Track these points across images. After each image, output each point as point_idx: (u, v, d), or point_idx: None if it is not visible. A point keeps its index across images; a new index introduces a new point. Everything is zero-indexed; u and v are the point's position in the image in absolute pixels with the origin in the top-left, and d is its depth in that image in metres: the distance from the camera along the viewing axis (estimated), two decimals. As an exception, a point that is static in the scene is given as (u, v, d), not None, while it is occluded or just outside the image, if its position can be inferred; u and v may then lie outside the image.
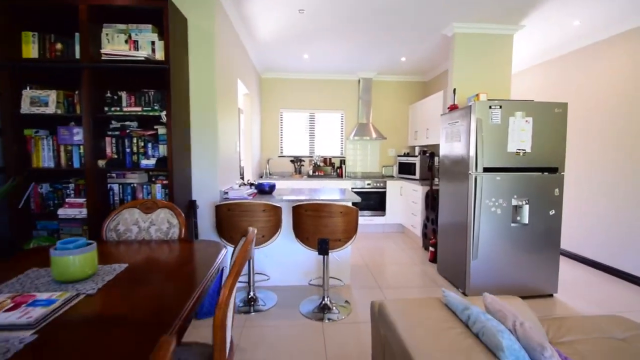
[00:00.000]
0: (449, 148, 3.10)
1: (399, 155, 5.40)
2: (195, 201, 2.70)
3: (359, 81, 5.50)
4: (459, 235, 2.91)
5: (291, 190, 3.52)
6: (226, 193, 2.78)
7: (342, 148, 5.72)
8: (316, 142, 5.70)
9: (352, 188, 5.10)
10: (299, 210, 2.37)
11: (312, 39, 3.88)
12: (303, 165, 5.52)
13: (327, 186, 5.07)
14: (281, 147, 5.67)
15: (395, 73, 5.46)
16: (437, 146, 5.09)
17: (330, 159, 5.45)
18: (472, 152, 2.70)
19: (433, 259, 3.70)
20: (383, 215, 5.17)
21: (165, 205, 2.02)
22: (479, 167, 2.67)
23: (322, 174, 5.30)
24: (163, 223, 2.00)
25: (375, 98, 5.64)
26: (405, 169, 5.20)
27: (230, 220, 2.40)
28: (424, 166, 4.89)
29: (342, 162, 5.49)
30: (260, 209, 2.38)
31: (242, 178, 4.58)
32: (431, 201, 3.98)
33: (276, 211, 2.46)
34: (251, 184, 3.20)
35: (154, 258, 1.57)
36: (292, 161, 5.38)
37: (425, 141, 4.91)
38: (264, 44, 4.08)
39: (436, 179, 4.24)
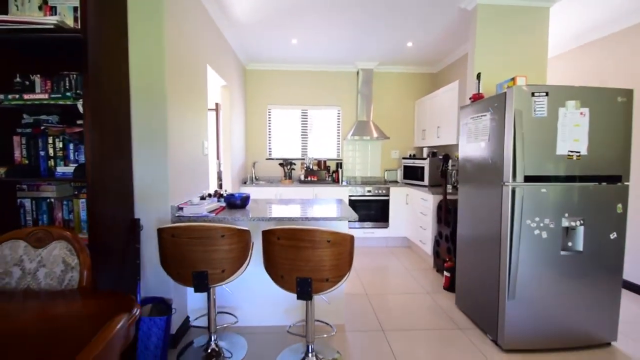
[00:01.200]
0: (473, 149, 2.42)
1: (403, 158, 4.72)
2: (138, 220, 2.02)
3: (357, 73, 4.83)
4: (486, 263, 2.22)
5: (277, 201, 2.84)
6: (180, 209, 2.10)
7: (338, 149, 5.04)
8: (309, 143, 5.02)
9: (350, 196, 4.42)
10: (269, 238, 1.68)
11: (300, 17, 3.20)
12: (294, 169, 4.84)
13: (320, 194, 4.39)
14: (269, 148, 4.99)
15: (400, 63, 4.78)
16: (450, 147, 4.40)
17: (325, 162, 4.77)
18: (507, 155, 2.02)
19: (449, 286, 3.01)
20: (386, 227, 4.48)
21: (62, 237, 1.34)
22: (518, 175, 1.98)
23: (315, 179, 4.62)
24: (56, 264, 1.32)
25: (377, 92, 4.96)
26: (412, 174, 4.52)
27: (177, 249, 1.72)
28: (435, 171, 4.20)
29: (339, 165, 4.81)
30: (219, 234, 1.70)
31: (221, 186, 3.90)
32: (445, 214, 3.30)
33: (242, 237, 1.77)
34: (220, 195, 2.52)
35: (22, 330, 0.88)
36: (281, 164, 4.70)
37: (435, 141, 4.23)
38: (243, 25, 3.41)
39: (451, 187, 3.56)
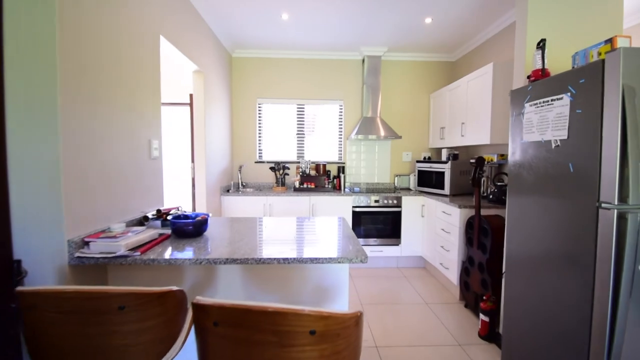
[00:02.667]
0: (535, 149, 1.65)
1: (418, 161, 3.94)
2: (19, 262, 1.28)
3: (363, 61, 4.06)
4: (564, 315, 1.44)
5: (256, 222, 2.09)
6: (86, 244, 1.34)
7: (340, 151, 4.28)
8: (307, 144, 4.26)
9: (355, 207, 3.65)
10: (202, 321, 0.90)
11: (289, -21, 2.46)
12: (288, 174, 4.08)
13: (318, 205, 3.63)
14: (259, 149, 4.24)
15: (412, 49, 4.02)
16: (477, 148, 3.64)
17: (324, 165, 4.01)
18: (608, 160, 1.24)
19: (487, 334, 2.23)
20: (397, 245, 3.71)
21: None
22: (633, 194, 1.21)
23: (313, 186, 3.86)
24: None
25: (386, 84, 4.20)
26: (428, 180, 3.74)
27: (40, 330, 0.96)
28: (457, 177, 3.43)
29: (341, 169, 4.05)
30: (114, 305, 0.94)
31: (194, 198, 3.15)
32: (478, 235, 2.52)
33: (165, 305, 1.01)
34: (164, 217, 1.76)
35: None
36: (272, 169, 3.94)
37: (457, 141, 3.46)
38: (218, -7, 2.67)
39: (481, 198, 2.78)
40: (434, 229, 3.38)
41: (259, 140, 4.23)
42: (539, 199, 1.64)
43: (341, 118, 4.24)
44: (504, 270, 1.99)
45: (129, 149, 1.78)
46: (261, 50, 4.03)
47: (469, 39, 3.66)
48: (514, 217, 1.84)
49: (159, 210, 1.77)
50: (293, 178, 4.06)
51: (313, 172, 4.03)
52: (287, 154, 4.24)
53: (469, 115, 3.21)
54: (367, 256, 1.57)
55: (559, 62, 1.92)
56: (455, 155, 3.60)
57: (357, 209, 3.64)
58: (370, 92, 3.99)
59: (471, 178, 2.59)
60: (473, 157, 2.64)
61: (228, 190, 3.74)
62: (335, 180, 4.02)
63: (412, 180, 4.07)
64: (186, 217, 1.74)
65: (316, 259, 1.39)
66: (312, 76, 4.15)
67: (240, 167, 4.01)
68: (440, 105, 3.92)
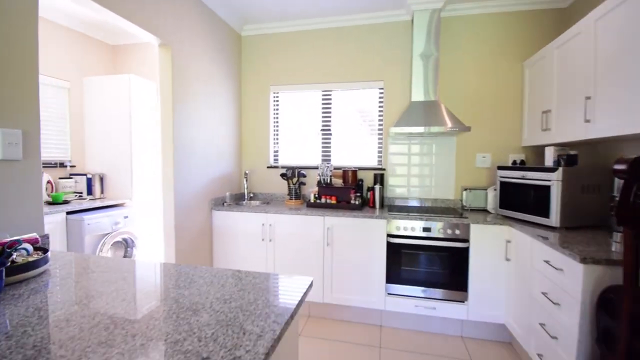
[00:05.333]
0: None
1: (501, 167, 2.48)
2: None
3: (412, 21, 2.80)
4: None
5: (133, 268, 1.12)
6: None
7: (380, 152, 3.07)
8: (334, 142, 3.17)
9: (391, 236, 2.41)
10: None
11: None
12: (304, 184, 3.06)
13: (338, 230, 2.51)
14: (275, 151, 3.31)
15: (494, -6, 2.60)
16: (615, 144, 2.08)
17: (353, 172, 2.86)
18: None
19: None
20: (462, 301, 2.33)
21: None
22: None
23: (333, 200, 2.74)
24: None
25: (448, 51, 2.85)
26: (520, 199, 2.27)
27: None
28: (574, 194, 1.93)
29: (379, 178, 2.84)
30: None
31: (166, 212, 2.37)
32: (633, 337, 1.08)
33: None
34: None
35: None
36: (283, 176, 2.97)
37: (576, 131, 1.94)
38: None
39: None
40: (529, 286, 1.93)
41: (275, 139, 3.30)
42: None
43: (381, 106, 3.03)
44: None
45: None
46: (276, 23, 3.12)
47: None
48: None
49: None
50: (311, 189, 3.01)
51: (339, 182, 2.91)
52: (309, 156, 3.22)
53: (602, 82, 1.70)
54: None
55: None
56: (571, 157, 2.08)
57: (396, 240, 2.39)
58: (424, 66, 2.70)
59: (613, 203, 1.16)
60: (621, 160, 1.21)
61: (223, 203, 2.90)
62: (369, 192, 2.83)
63: (492, 198, 2.61)
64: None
65: None
66: (341, 50, 3.06)
67: (246, 173, 3.13)
68: (541, 76, 2.40)
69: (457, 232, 2.32)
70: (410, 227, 2.39)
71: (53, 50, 3.02)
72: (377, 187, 2.76)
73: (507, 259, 2.22)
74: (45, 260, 1.15)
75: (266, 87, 3.24)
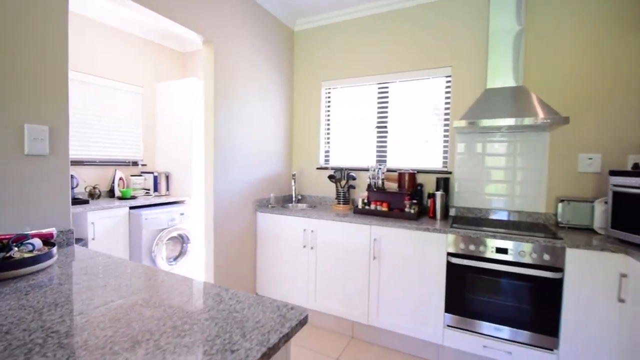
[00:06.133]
0: None
1: (614, 173, 1.80)
2: None
3: (491, -9, 2.27)
4: None
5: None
6: None
7: (446, 153, 2.58)
8: (390, 141, 2.80)
9: (454, 255, 1.96)
10: None
11: None
12: (354, 187, 2.75)
13: (384, 242, 2.15)
14: (326, 151, 3.09)
15: (611, -61, 1.93)
16: None
17: (411, 175, 2.46)
18: None
19: None
20: (551, 349, 1.75)
21: None
22: None
23: (384, 207, 2.38)
24: None
25: (538, 24, 2.23)
26: (646, 218, 1.60)
27: None
28: None
29: (442, 183, 2.38)
30: None
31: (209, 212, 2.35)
32: None
33: None
34: None
35: None
36: (331, 178, 2.73)
37: None
38: None
39: None
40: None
41: (326, 138, 3.08)
42: None
43: (448, 97, 2.55)
44: None
45: None
46: (329, 13, 2.90)
47: None
48: None
49: None
50: (362, 193, 2.69)
51: (393, 186, 2.54)
52: (363, 157, 2.91)
53: None
54: None
55: None
56: None
57: (459, 260, 1.93)
58: (504, 44, 2.16)
59: None
60: None
61: (268, 205, 2.78)
62: (429, 200, 2.39)
63: (600, 214, 1.93)
64: None
65: None
66: (401, 35, 2.67)
67: (294, 175, 2.97)
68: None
69: (547, 257, 1.75)
70: (480, 246, 1.90)
71: (129, 58, 3.33)
72: (439, 193, 2.31)
73: (621, 300, 1.58)
74: (48, 256, 1.12)
75: (318, 84, 3.04)
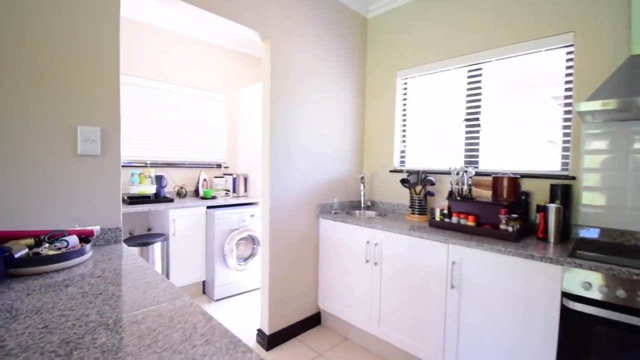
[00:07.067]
0: None
1: None
2: None
3: None
4: None
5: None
6: None
7: (567, 151, 1.87)
8: (483, 138, 2.21)
9: (571, 297, 1.34)
10: None
11: None
12: (432, 194, 2.26)
13: (466, 268, 1.65)
14: (402, 151, 2.67)
15: None
16: None
17: (511, 180, 1.86)
18: None
19: None
20: None
21: None
22: None
23: (470, 222, 1.85)
24: None
25: None
26: None
27: None
28: None
29: (559, 192, 1.72)
30: None
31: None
32: None
33: None
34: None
35: None
36: (404, 182, 2.31)
37: None
38: None
39: None
40: None
41: (402, 136, 2.66)
42: None
43: (569, 74, 1.84)
44: None
45: (19, 139, 1.20)
46: (407, -9, 2.50)
47: None
48: None
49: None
50: (443, 202, 2.18)
51: (485, 194, 1.98)
52: (446, 158, 2.39)
53: None
54: None
55: None
56: None
57: (583, 306, 1.30)
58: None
59: None
60: None
61: (332, 211, 2.52)
62: (537, 216, 1.75)
63: None
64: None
65: None
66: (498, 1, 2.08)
67: (362, 178, 2.65)
68: None
69: None
70: (620, 287, 1.24)
71: (214, 68, 3.58)
72: (554, 206, 1.66)
73: None
74: (79, 253, 1.13)
75: (393, 74, 2.65)
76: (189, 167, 3.40)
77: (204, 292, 3.04)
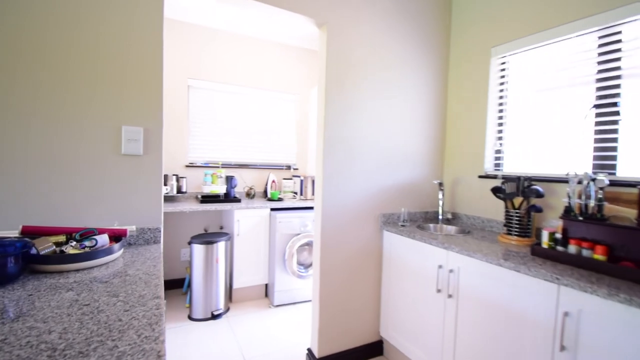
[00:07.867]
0: None
1: None
2: None
3: None
4: None
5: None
6: None
7: None
8: (622, 131, 1.52)
9: None
10: None
11: None
12: (541, 210, 1.65)
13: (587, 329, 1.10)
14: (496, 151, 2.10)
15: None
16: None
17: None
18: None
19: None
20: None
21: None
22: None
23: (598, 255, 1.24)
24: None
25: None
26: None
27: None
28: None
29: None
30: None
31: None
32: None
33: None
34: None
35: None
36: (495, 192, 1.77)
37: None
38: None
39: None
40: None
41: (499, 131, 2.09)
42: None
43: None
44: None
45: (69, 138, 1.26)
46: (507, -54, 1.94)
47: None
48: None
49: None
50: (552, 222, 1.57)
51: (626, 212, 1.33)
52: (561, 161, 1.76)
53: None
54: None
55: None
56: None
57: None
58: None
59: None
60: None
61: (399, 222, 2.12)
62: None
63: None
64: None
65: None
66: None
67: (440, 184, 2.17)
68: None
69: None
70: None
71: (284, 67, 3.53)
72: None
73: None
74: (105, 252, 1.09)
75: (486, 52, 2.11)
76: (259, 169, 3.43)
77: (266, 296, 2.99)
